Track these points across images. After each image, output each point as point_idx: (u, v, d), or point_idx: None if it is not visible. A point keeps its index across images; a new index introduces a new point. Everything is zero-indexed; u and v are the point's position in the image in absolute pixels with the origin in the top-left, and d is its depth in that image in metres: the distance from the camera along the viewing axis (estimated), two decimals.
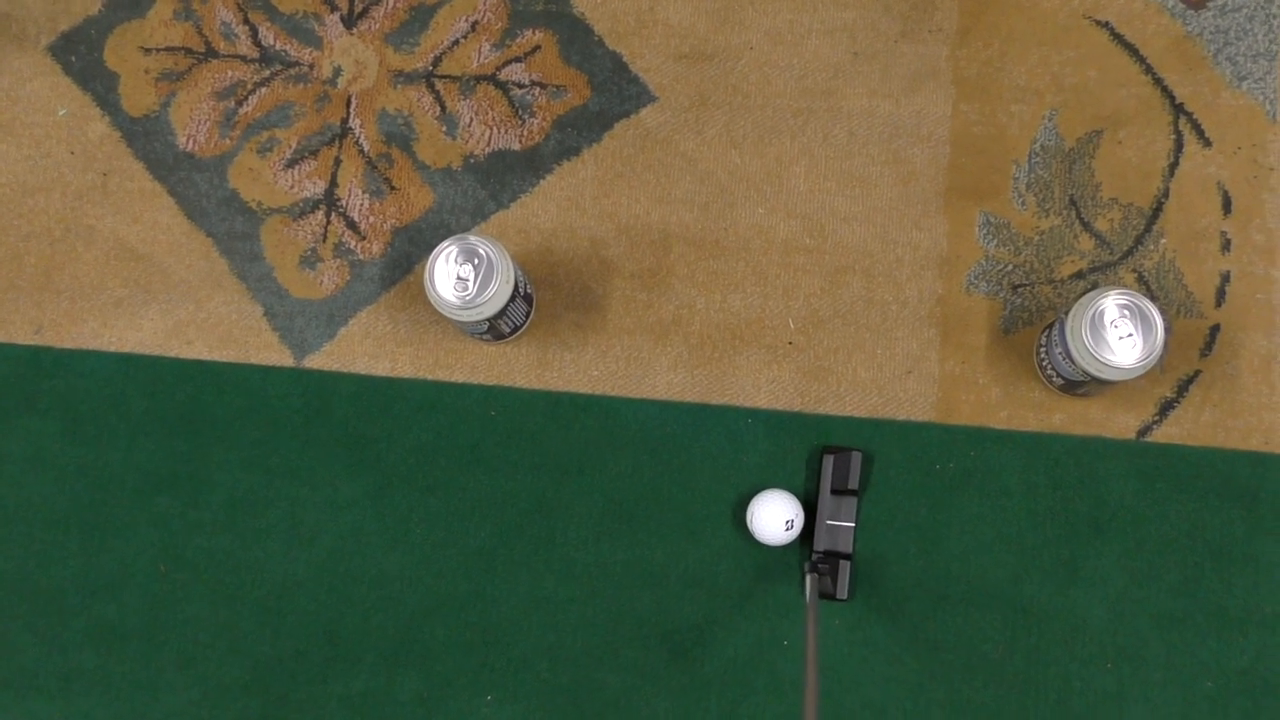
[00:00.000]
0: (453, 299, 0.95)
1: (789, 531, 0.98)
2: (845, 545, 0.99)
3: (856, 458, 1.00)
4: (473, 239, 0.95)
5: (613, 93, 1.10)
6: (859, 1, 1.11)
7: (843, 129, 1.08)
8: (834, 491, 1.00)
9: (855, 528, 1.00)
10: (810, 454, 1.02)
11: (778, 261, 1.06)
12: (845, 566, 0.99)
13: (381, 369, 1.06)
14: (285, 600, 1.02)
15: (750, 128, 1.08)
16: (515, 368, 1.05)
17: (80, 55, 1.13)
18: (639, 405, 1.03)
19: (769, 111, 1.09)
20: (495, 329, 1.00)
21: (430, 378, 1.05)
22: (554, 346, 1.05)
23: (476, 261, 0.95)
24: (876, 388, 1.03)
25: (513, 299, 0.97)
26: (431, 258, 0.95)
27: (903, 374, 1.03)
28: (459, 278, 0.95)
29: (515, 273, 0.96)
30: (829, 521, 1.00)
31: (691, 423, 1.03)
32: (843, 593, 0.98)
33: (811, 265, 1.05)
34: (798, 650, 0.98)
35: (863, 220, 1.06)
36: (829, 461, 1.00)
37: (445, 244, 0.95)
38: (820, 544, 0.99)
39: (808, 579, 0.95)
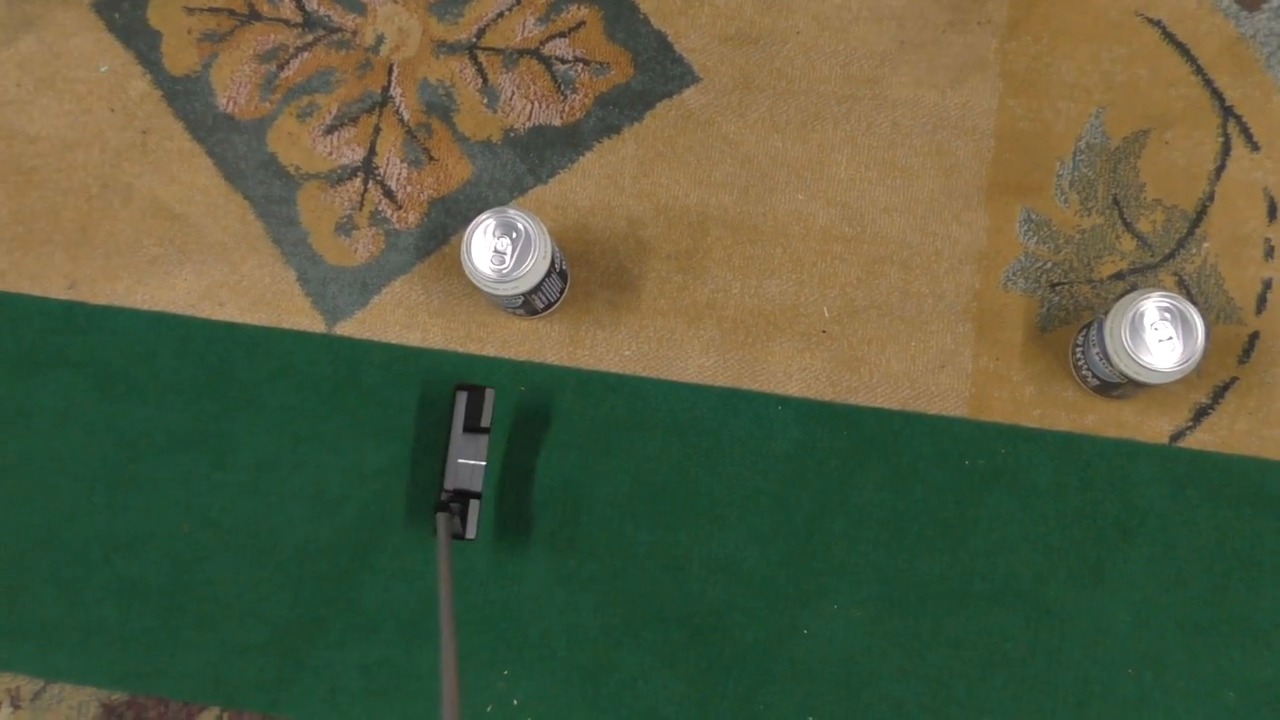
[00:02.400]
0: (489, 272, 0.94)
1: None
2: (475, 484, 1.00)
3: (490, 395, 1.01)
4: (512, 212, 0.94)
5: (656, 72, 1.09)
6: None
7: (887, 118, 1.07)
8: (467, 430, 1.00)
9: (485, 466, 1.00)
10: (840, 446, 1.01)
11: (815, 249, 1.05)
12: (475, 506, 1.00)
13: (413, 339, 1.05)
14: (306, 565, 1.02)
15: (793, 113, 1.07)
16: (547, 344, 1.05)
17: (124, 13, 1.13)
18: (669, 387, 1.03)
19: (813, 97, 1.08)
20: (529, 304, 1.00)
21: (461, 350, 1.05)
22: (587, 324, 1.05)
23: (514, 235, 0.94)
24: (909, 380, 1.02)
25: (548, 275, 0.97)
26: (469, 229, 0.94)
27: (936, 368, 1.02)
28: (496, 250, 0.94)
29: (552, 248, 0.96)
30: (460, 460, 1.00)
31: (721, 407, 1.02)
32: (471, 532, 1.00)
33: (849, 254, 1.04)
34: (817, 639, 0.98)
35: (903, 211, 1.05)
36: (461, 398, 1.01)
37: (483, 216, 0.95)
38: (450, 483, 1.00)
39: (438, 518, 0.95)
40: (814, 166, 1.06)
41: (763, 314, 1.04)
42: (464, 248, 0.95)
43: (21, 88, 1.12)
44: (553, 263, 0.97)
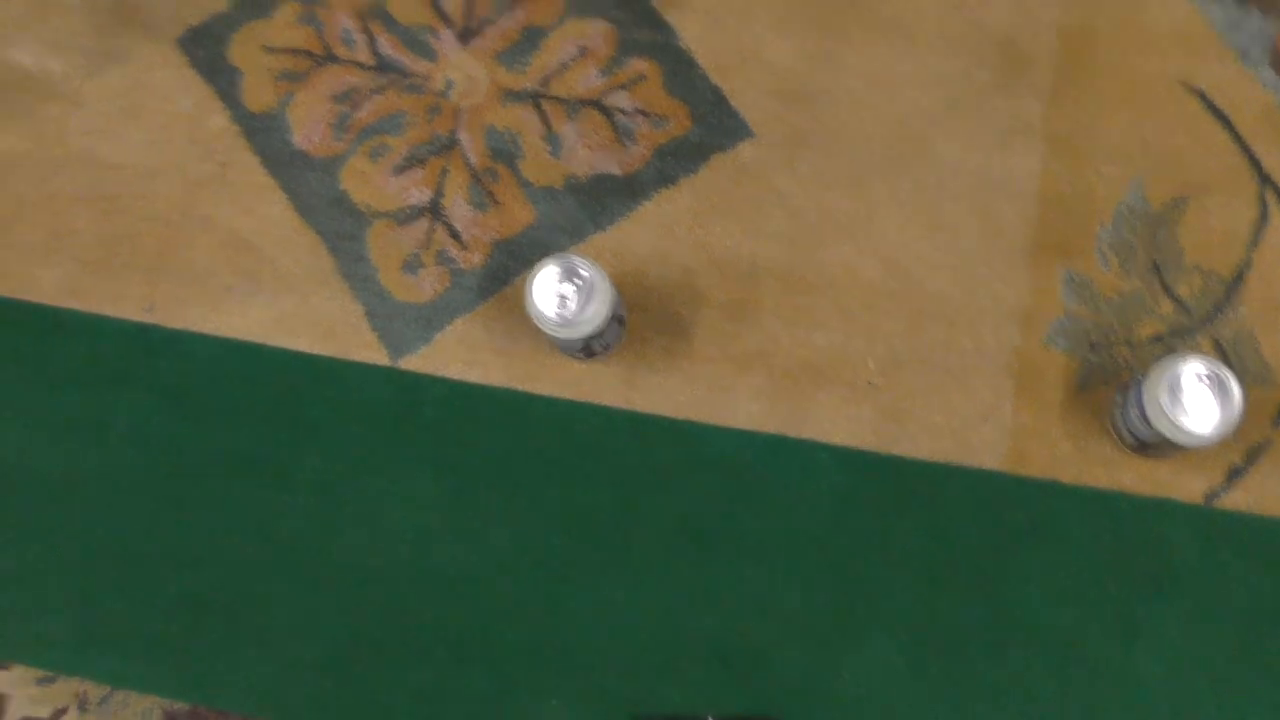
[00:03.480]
0: (553, 316, 0.99)
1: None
2: None
3: None
4: (576, 259, 0.99)
5: (712, 125, 1.13)
6: (956, 52, 1.14)
7: (933, 177, 1.11)
8: None
9: None
10: (882, 494, 1.05)
11: (862, 302, 1.09)
12: None
13: (474, 376, 1.10)
14: (363, 589, 1.07)
15: (843, 169, 1.12)
16: (603, 386, 1.09)
17: (206, 49, 1.18)
18: (719, 432, 1.07)
19: (862, 154, 1.12)
20: (588, 348, 1.04)
21: (520, 388, 1.09)
22: (641, 369, 1.09)
23: (578, 282, 0.99)
24: (950, 433, 1.06)
25: (608, 321, 1.01)
26: (535, 273, 0.99)
27: (977, 422, 1.06)
28: (560, 295, 0.99)
29: (613, 295, 1.00)
30: None
31: (768, 453, 1.06)
32: None
33: (894, 308, 1.08)
34: (856, 681, 1.01)
35: (948, 268, 1.09)
36: None
37: (549, 261, 0.99)
38: None
39: None
40: (862, 222, 1.11)
41: (810, 364, 1.08)
42: (528, 290, 0.99)
43: (107, 118, 1.17)
44: (612, 309, 1.01)
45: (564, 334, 1.00)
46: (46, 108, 1.18)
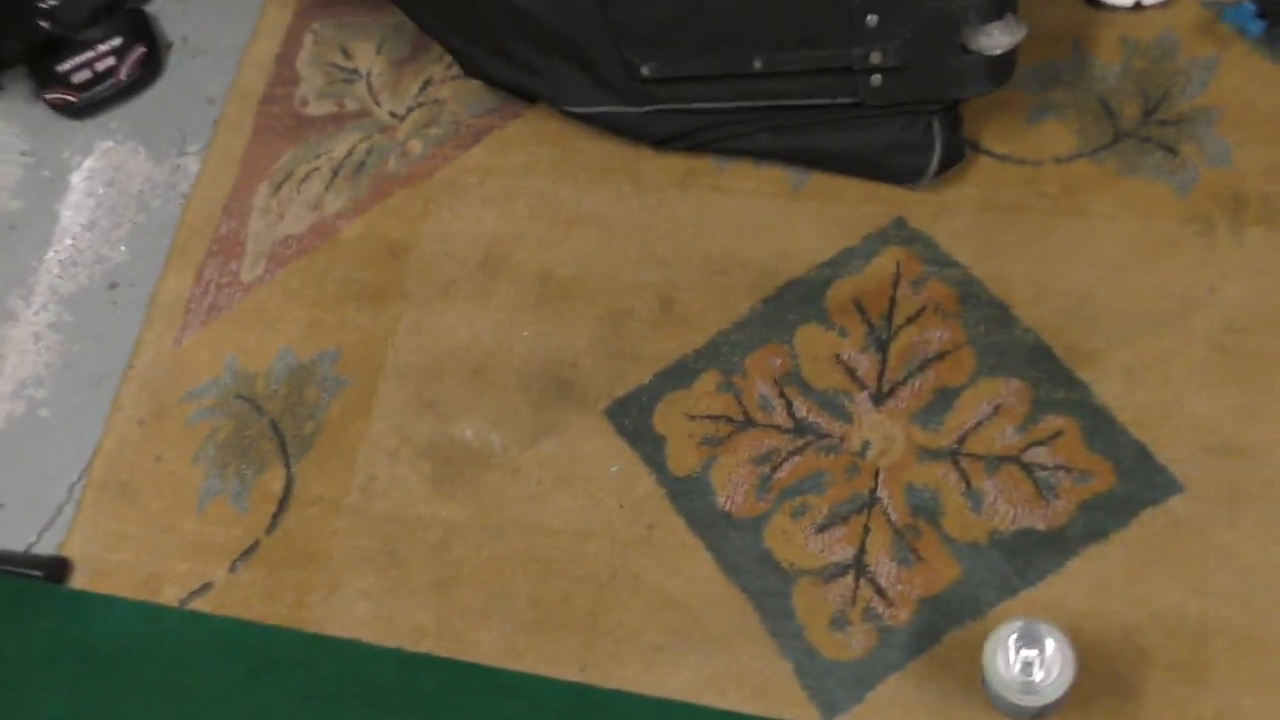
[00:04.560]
0: (1017, 683, 0.98)
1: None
2: None
3: None
4: (1040, 625, 0.99)
5: (1139, 480, 1.14)
6: None
7: None
8: None
9: None
10: None
11: None
12: None
13: None
14: None
15: None
16: None
17: (632, 418, 1.28)
18: None
19: None
20: (1039, 715, 1.02)
21: None
22: None
23: (1040, 648, 0.98)
24: None
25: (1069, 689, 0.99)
26: (999, 635, 0.99)
27: None
28: (1025, 662, 0.98)
29: (1076, 664, 0.99)
30: None
31: None
32: None
33: None
34: None
35: None
36: None
37: (1012, 624, 0.99)
38: None
39: None
40: None
41: None
42: (989, 655, 0.99)
43: (541, 485, 1.27)
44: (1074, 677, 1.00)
45: (1025, 701, 0.99)
46: (487, 478, 1.28)
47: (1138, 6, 1.34)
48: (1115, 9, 1.35)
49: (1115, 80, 1.32)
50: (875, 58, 1.19)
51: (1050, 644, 0.98)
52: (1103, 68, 1.33)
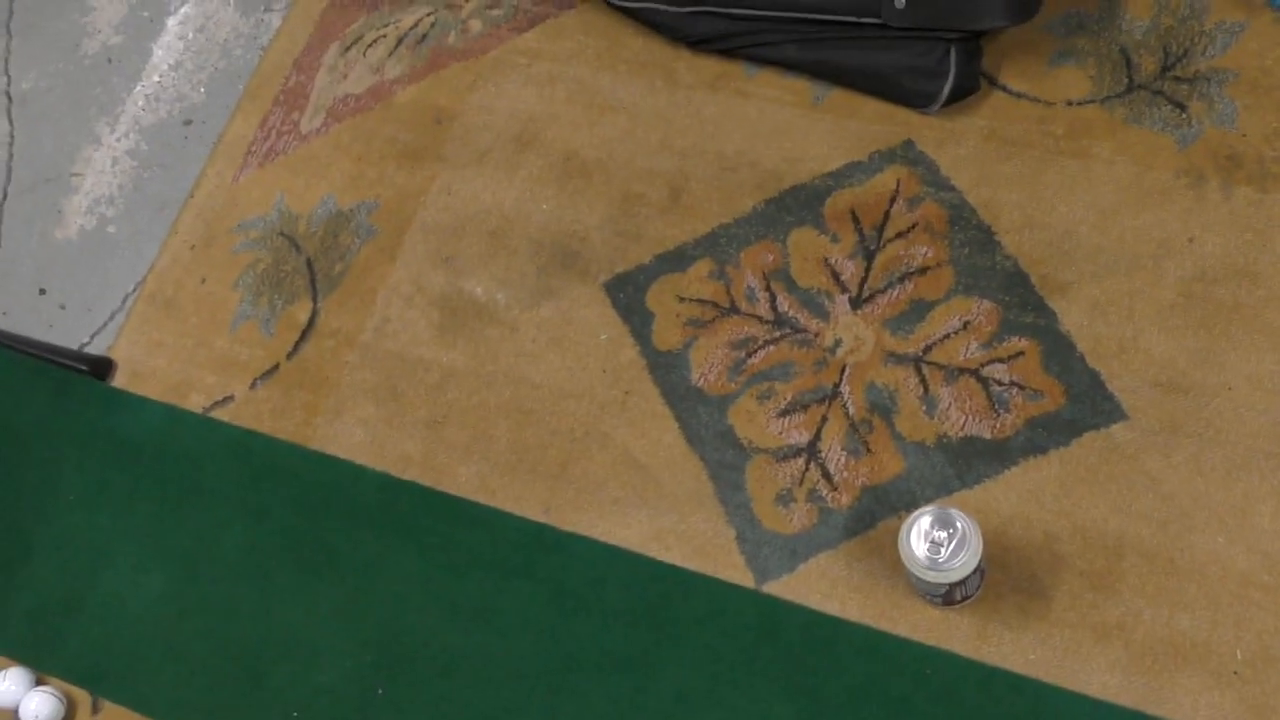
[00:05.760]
0: (924, 558, 1.05)
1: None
2: None
3: None
4: (953, 511, 1.06)
5: (1087, 405, 1.19)
6: None
7: None
8: None
9: None
10: None
11: (1232, 591, 1.09)
12: None
13: (831, 608, 1.16)
14: None
15: (1219, 461, 1.14)
16: (955, 634, 1.13)
17: (627, 294, 1.36)
18: (1071, 698, 1.08)
19: (1240, 449, 1.14)
20: (950, 595, 1.09)
21: (874, 625, 1.15)
22: (995, 623, 1.12)
23: (951, 531, 1.05)
24: None
25: (975, 571, 1.06)
26: (913, 516, 1.06)
27: None
28: (933, 541, 1.05)
29: (982, 548, 1.06)
30: None
31: None
32: None
33: (1268, 602, 1.08)
34: None
35: None
36: None
37: (928, 508, 1.06)
38: None
39: None
40: (1236, 513, 1.12)
41: (1172, 644, 1.08)
42: (904, 532, 1.06)
43: (535, 343, 1.36)
44: (980, 561, 1.06)
45: (931, 578, 1.06)
46: (487, 331, 1.38)
47: None
48: None
49: (1140, 34, 1.36)
50: None
51: (959, 527, 1.05)
52: (1130, 21, 1.36)
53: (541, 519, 1.27)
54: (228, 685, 1.28)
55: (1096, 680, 1.08)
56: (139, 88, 1.70)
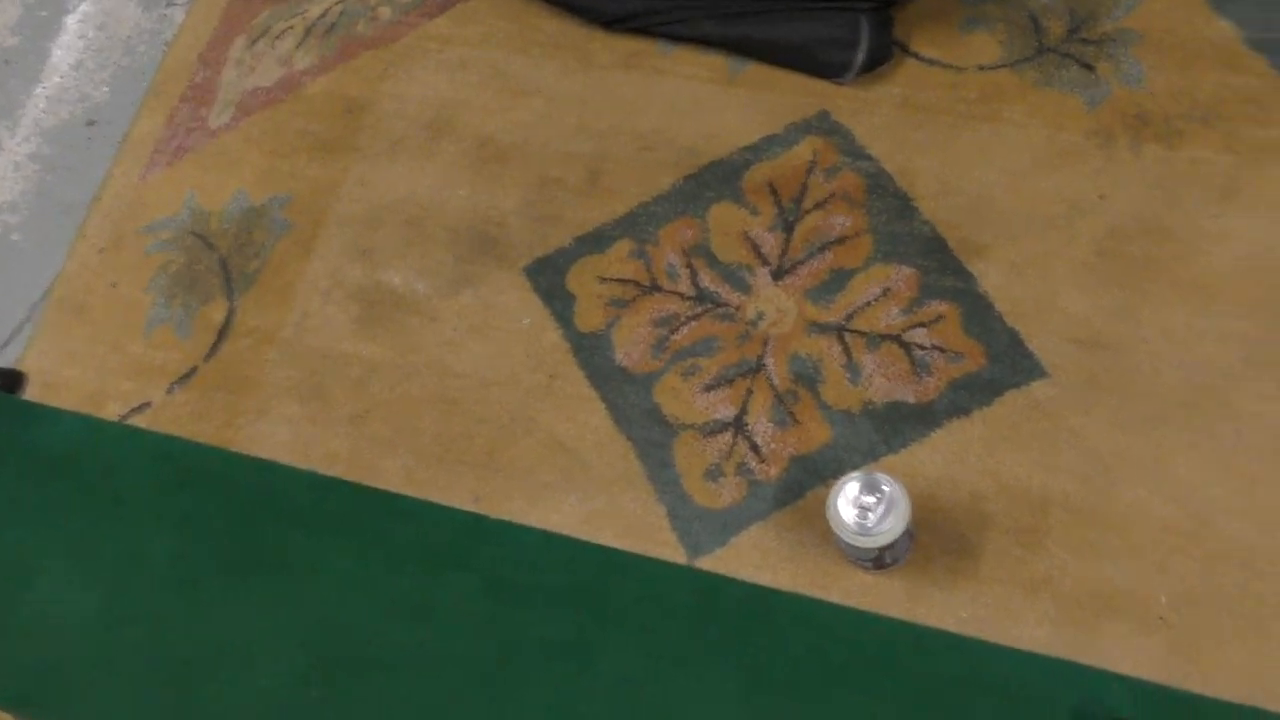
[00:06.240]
0: (853, 524, 1.05)
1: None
2: None
3: None
4: (879, 475, 1.06)
5: (1007, 364, 1.20)
6: (1253, 314, 1.18)
7: (1229, 428, 1.14)
8: None
9: None
10: None
11: (1153, 540, 1.11)
12: None
13: (764, 579, 1.16)
14: None
15: (1137, 413, 1.16)
16: (888, 598, 1.13)
17: (547, 277, 1.35)
18: (1004, 652, 1.09)
19: (1156, 401, 1.16)
20: (879, 559, 1.10)
21: (807, 593, 1.15)
22: (926, 584, 1.13)
23: (879, 495, 1.06)
24: (1248, 677, 1.04)
25: (903, 534, 1.07)
26: (840, 483, 1.07)
27: (1278, 669, 1.04)
28: (861, 506, 1.05)
29: (910, 511, 1.06)
30: None
31: (1057, 678, 1.07)
32: None
33: (1188, 548, 1.10)
34: None
35: (1244, 514, 1.10)
36: None
37: (855, 474, 1.07)
38: None
39: None
40: (1155, 464, 1.14)
41: (1099, 594, 1.10)
42: (832, 499, 1.06)
43: (457, 332, 1.35)
44: (907, 524, 1.07)
45: (860, 543, 1.06)
46: (408, 322, 1.36)
47: None
48: None
49: None
50: None
51: (886, 491, 1.05)
52: None
53: (472, 508, 1.26)
54: (162, 698, 1.25)
55: (1027, 634, 1.10)
56: (39, 89, 1.66)
